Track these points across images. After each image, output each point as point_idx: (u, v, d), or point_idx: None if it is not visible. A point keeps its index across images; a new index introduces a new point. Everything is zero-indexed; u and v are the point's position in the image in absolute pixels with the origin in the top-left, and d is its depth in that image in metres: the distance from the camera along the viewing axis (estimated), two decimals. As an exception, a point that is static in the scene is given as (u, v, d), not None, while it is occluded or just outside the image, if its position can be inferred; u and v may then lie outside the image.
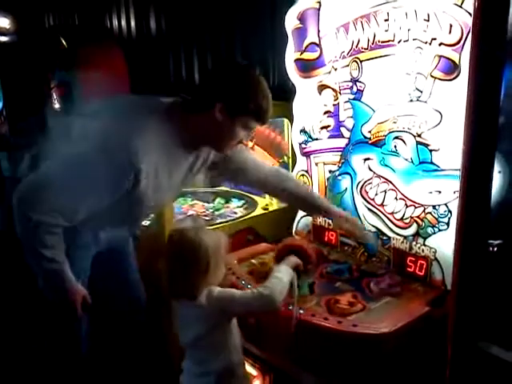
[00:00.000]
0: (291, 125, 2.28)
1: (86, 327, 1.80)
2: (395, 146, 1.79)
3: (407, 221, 1.81)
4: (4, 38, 4.95)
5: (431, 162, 1.69)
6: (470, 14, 1.42)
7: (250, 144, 2.75)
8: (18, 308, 2.62)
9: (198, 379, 1.55)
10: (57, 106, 3.99)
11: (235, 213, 2.77)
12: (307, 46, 2.04)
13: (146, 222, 2.59)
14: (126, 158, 1.43)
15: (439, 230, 1.71)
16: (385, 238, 1.90)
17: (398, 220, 1.84)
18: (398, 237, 1.85)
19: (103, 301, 1.70)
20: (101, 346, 1.95)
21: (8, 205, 1.54)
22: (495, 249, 1.13)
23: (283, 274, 1.57)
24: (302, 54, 2.08)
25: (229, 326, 1.55)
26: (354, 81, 1.90)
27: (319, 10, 1.96)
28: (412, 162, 1.75)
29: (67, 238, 1.51)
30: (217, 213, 2.79)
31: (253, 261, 1.99)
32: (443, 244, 1.70)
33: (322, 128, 2.09)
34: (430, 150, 1.69)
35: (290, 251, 1.73)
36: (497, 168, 1.19)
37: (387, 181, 1.85)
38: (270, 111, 1.59)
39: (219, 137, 1.61)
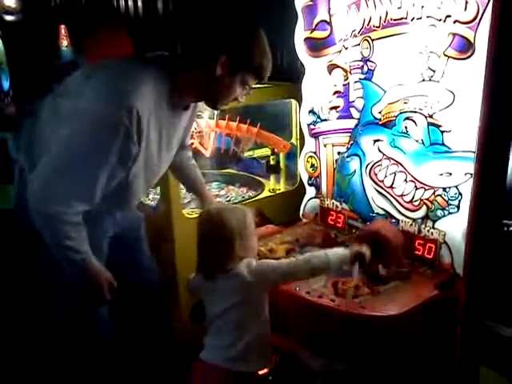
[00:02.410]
0: (299, 106, 2.25)
1: (108, 311, 1.79)
2: (406, 127, 1.76)
3: (416, 203, 1.78)
4: (10, 18, 4.92)
5: (442, 144, 1.66)
6: (487, -10, 1.38)
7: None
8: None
9: (224, 351, 1.53)
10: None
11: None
12: (317, 24, 2.00)
13: (152, 203, 2.59)
14: (127, 120, 1.36)
15: (449, 213, 1.69)
16: (393, 220, 1.88)
17: (407, 202, 1.82)
18: (407, 219, 1.83)
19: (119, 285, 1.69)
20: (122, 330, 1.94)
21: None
22: (511, 228, 1.11)
23: (333, 255, 1.53)
24: (311, 32, 2.03)
25: (264, 300, 1.56)
26: (365, 60, 1.86)
27: (330, -14, 1.92)
28: (423, 143, 1.72)
29: (87, 225, 1.47)
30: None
31: (260, 247, 1.96)
32: (453, 227, 1.68)
33: (332, 109, 2.05)
34: (442, 131, 1.66)
35: (373, 239, 1.66)
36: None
37: (397, 162, 1.83)
38: (270, 68, 1.55)
39: (216, 92, 1.55)
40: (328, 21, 1.95)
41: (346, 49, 1.93)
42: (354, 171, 2.01)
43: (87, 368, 1.80)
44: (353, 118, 1.98)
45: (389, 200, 1.89)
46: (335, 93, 2.02)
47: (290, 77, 2.44)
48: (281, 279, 1.55)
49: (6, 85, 4.84)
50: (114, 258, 1.71)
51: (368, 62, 1.86)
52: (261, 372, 1.60)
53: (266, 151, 2.87)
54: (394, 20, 1.73)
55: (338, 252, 1.56)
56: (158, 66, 1.51)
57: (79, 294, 1.58)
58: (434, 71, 1.63)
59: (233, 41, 1.47)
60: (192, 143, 2.42)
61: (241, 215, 1.55)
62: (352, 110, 1.97)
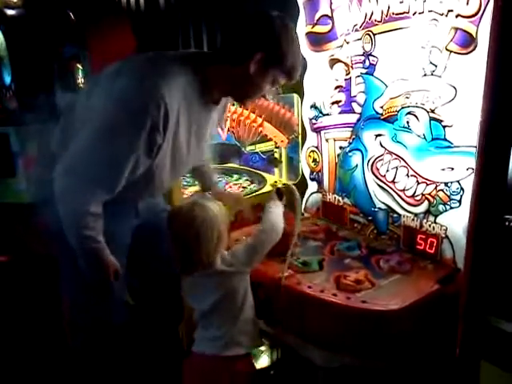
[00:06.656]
0: (301, 100, 2.24)
1: (122, 296, 1.81)
2: (407, 122, 1.76)
3: (418, 198, 1.78)
4: (12, 12, 4.90)
5: (444, 139, 1.66)
6: (490, -16, 1.37)
7: (259, 120, 2.71)
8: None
9: (210, 343, 1.58)
10: (66, 80, 3.97)
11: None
12: (319, 19, 1.99)
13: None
14: (155, 111, 1.38)
15: (451, 208, 1.69)
16: (395, 215, 1.89)
17: (408, 197, 1.82)
18: (409, 214, 1.83)
19: (140, 273, 1.69)
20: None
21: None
22: (512, 224, 1.11)
23: (272, 208, 1.69)
24: (313, 27, 2.03)
25: (245, 287, 1.59)
26: (367, 55, 1.86)
27: (332, -20, 1.91)
28: (424, 138, 1.72)
29: (109, 213, 1.50)
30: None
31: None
32: (454, 222, 1.68)
33: (333, 103, 2.05)
34: (444, 126, 1.65)
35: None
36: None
37: (399, 157, 1.82)
38: (300, 69, 1.58)
39: (247, 89, 1.57)
40: (330, 15, 1.95)
41: (348, 43, 1.92)
42: (356, 166, 2.01)
43: (97, 358, 1.81)
44: (354, 112, 1.97)
45: (390, 195, 1.89)
46: (337, 87, 2.02)
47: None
48: (247, 255, 1.57)
49: (8, 79, 4.82)
50: (136, 247, 1.72)
51: (370, 57, 1.85)
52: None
53: (268, 145, 2.88)
54: (396, 14, 1.72)
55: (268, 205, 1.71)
56: (187, 61, 1.53)
57: (90, 282, 1.61)
58: (435, 66, 1.63)
59: (268, 40, 1.48)
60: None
61: (219, 209, 1.55)
62: (354, 104, 1.97)
